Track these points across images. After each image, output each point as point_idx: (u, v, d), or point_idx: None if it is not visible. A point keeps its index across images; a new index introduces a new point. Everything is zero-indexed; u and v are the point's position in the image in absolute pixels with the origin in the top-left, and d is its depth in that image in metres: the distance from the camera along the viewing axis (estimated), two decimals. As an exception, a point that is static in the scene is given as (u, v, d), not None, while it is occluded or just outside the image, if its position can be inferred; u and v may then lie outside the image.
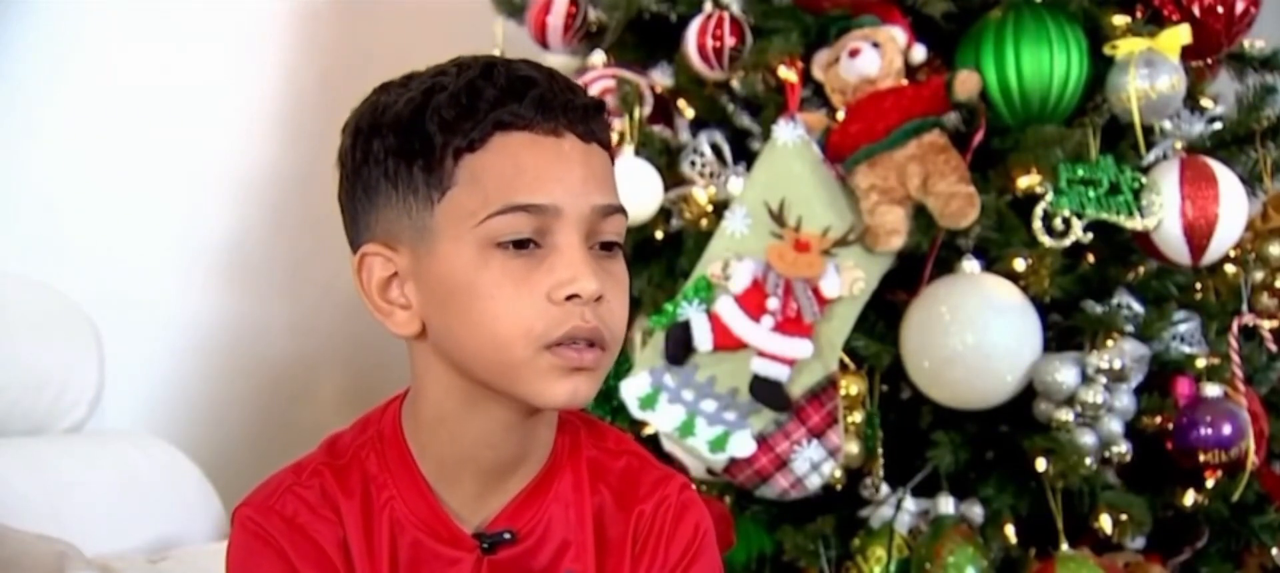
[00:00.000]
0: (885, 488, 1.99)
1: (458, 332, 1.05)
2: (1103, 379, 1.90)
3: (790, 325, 1.91)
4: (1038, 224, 1.92)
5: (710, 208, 2.07)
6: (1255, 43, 2.14)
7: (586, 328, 1.04)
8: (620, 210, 1.08)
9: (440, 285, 1.05)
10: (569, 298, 1.03)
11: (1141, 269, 2.09)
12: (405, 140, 1.05)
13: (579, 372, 1.05)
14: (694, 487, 1.21)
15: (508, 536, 1.10)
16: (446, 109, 1.04)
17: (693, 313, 1.94)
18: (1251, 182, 2.07)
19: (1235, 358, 1.99)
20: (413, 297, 1.07)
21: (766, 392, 1.92)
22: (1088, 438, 1.90)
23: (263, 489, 1.12)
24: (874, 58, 1.97)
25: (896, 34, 1.99)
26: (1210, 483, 1.97)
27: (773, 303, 1.92)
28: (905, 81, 1.99)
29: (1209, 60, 2.13)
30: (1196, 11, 1.99)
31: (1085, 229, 1.92)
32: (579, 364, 1.04)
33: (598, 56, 2.22)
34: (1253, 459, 1.93)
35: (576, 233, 1.04)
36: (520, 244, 1.04)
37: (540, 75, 1.07)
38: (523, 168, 1.04)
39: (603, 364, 1.06)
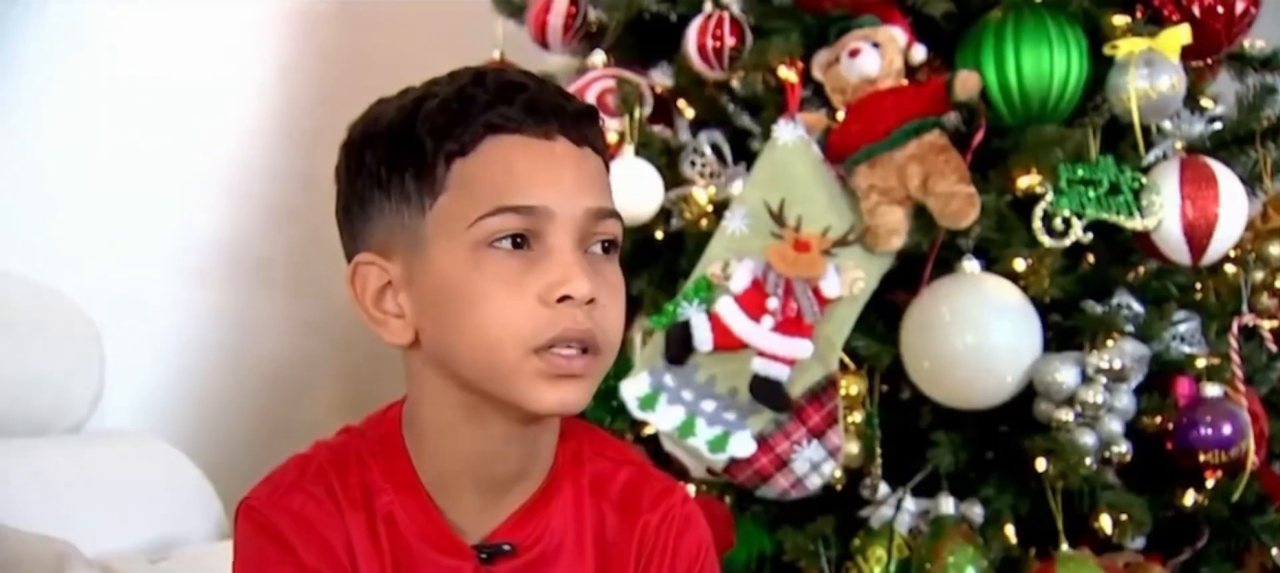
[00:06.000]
0: (885, 488, 1.99)
1: (449, 337, 1.05)
2: (1103, 379, 1.90)
3: (790, 325, 1.91)
4: (1038, 224, 1.92)
5: (710, 208, 2.07)
6: (1255, 43, 2.14)
7: (578, 330, 1.03)
8: (615, 215, 1.07)
9: (433, 291, 1.05)
10: (561, 299, 1.02)
11: (1141, 269, 2.09)
12: (397, 148, 1.05)
13: (569, 379, 1.04)
14: (693, 497, 1.21)
15: (507, 547, 1.10)
16: (438, 115, 1.04)
17: (693, 313, 1.94)
18: (1251, 182, 2.06)
19: (1235, 358, 1.98)
20: (406, 306, 1.07)
21: (766, 392, 1.92)
22: (1088, 438, 1.89)
23: (267, 483, 1.11)
24: (874, 58, 1.97)
25: (896, 34, 1.99)
26: (1210, 483, 1.97)
27: (773, 303, 1.92)
28: (905, 81, 1.99)
29: (1209, 60, 2.13)
30: (1196, 11, 1.99)
31: (1085, 229, 1.92)
32: (568, 371, 1.03)
33: (598, 57, 2.22)
34: (1253, 459, 1.93)
35: (569, 236, 1.04)
36: (515, 243, 1.03)
37: (531, 81, 1.06)
38: (514, 170, 1.03)
39: (594, 371, 1.05)
